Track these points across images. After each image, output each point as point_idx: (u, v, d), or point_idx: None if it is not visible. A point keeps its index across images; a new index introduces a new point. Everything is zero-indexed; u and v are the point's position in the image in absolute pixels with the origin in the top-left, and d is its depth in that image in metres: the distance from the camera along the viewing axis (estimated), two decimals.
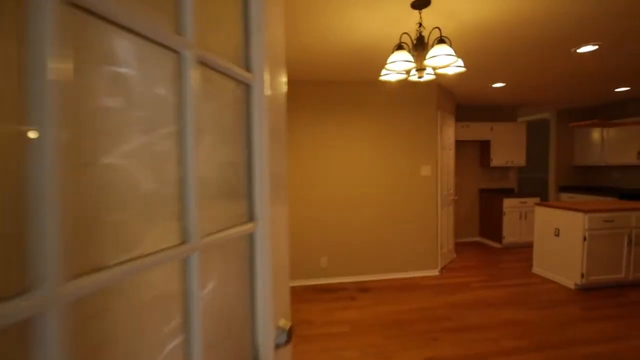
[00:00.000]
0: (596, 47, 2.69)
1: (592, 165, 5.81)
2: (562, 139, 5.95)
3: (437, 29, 1.92)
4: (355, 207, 3.76)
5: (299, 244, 3.66)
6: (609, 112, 5.57)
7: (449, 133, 4.32)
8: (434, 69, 1.99)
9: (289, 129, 3.20)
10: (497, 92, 4.35)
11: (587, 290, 3.36)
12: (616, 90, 4.38)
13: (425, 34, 2.01)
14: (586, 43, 2.64)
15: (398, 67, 1.84)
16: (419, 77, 1.99)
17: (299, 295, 3.37)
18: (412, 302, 3.16)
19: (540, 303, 3.08)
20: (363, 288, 3.53)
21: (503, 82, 3.88)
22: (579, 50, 2.80)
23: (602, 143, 5.40)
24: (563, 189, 5.90)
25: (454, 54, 1.75)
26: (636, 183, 5.19)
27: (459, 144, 5.49)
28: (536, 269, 3.90)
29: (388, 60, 1.82)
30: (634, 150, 4.91)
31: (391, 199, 3.82)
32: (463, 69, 1.97)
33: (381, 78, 2.14)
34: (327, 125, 3.66)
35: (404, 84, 3.74)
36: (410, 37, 1.98)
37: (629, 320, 2.72)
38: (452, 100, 4.55)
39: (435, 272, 3.94)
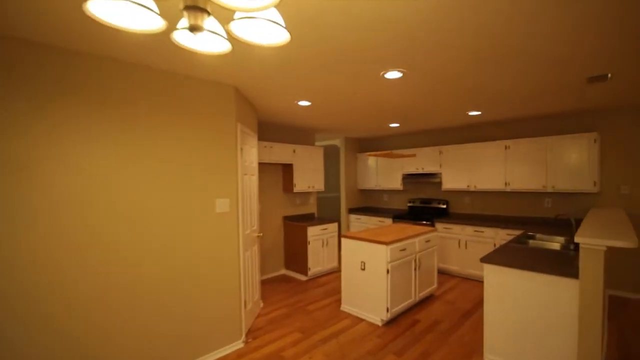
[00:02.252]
0: (401, 74, 2.54)
1: (370, 189, 6.63)
2: (349, 165, 6.49)
3: None
4: (107, 277, 2.12)
5: None
6: (381, 143, 6.54)
7: (252, 155, 3.45)
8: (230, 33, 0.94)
9: None
10: (302, 111, 3.91)
11: (390, 324, 3.25)
12: (391, 125, 4.99)
13: None
14: (394, 68, 2.42)
15: None
16: (192, 31, 0.88)
17: None
18: None
19: (357, 358, 2.61)
20: None
21: (309, 101, 3.42)
22: (387, 76, 2.58)
23: (377, 170, 6.21)
24: (351, 210, 6.39)
25: (282, 23, 0.80)
26: (400, 204, 6.23)
27: (261, 168, 4.79)
28: (345, 307, 3.58)
29: None
30: (398, 177, 5.84)
31: (173, 252, 2.45)
32: (286, 38, 1.03)
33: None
34: (65, 128, 1.88)
35: (187, 78, 2.54)
36: None
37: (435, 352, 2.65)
38: (253, 114, 3.74)
39: (239, 344, 2.85)
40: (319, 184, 5.28)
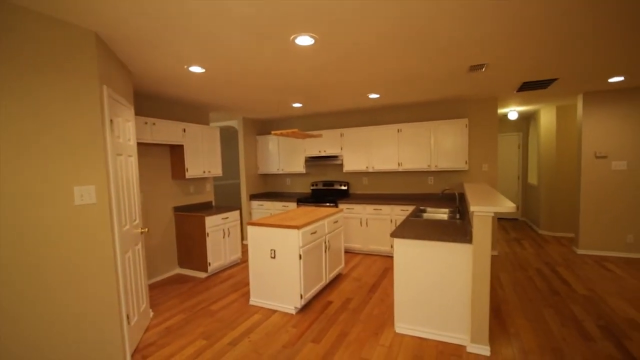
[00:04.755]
0: (313, 40, 2.30)
1: (272, 174, 6.35)
2: (249, 148, 6.03)
3: None
4: None
5: None
6: (282, 124, 6.28)
7: (128, 130, 2.71)
8: None
9: None
10: (194, 80, 3.30)
11: (304, 310, 3.11)
12: (294, 105, 4.76)
13: None
14: (305, 32, 2.16)
15: None
16: None
17: None
18: None
19: (274, 354, 2.36)
20: None
21: (203, 67, 2.87)
22: (298, 41, 2.30)
23: (279, 154, 5.95)
24: (253, 196, 5.99)
25: None
26: (303, 187, 6.15)
27: (143, 150, 3.94)
28: (255, 300, 3.26)
29: None
30: (301, 160, 5.72)
31: (7, 267, 1.66)
32: None
33: None
34: None
35: (26, 12, 1.72)
36: None
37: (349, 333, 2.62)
38: (128, 78, 2.95)
39: None
40: (215, 169, 4.70)
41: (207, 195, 4.91)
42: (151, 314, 3.11)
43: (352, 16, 1.98)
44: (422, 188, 5.13)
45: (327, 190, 5.72)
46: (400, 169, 4.94)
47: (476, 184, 4.07)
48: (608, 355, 2.31)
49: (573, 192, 5.66)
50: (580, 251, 4.72)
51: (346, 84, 3.63)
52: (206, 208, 4.65)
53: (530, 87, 4.10)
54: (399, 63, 2.92)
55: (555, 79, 3.74)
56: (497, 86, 4.00)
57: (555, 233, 5.82)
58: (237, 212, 4.64)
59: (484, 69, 3.19)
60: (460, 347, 2.42)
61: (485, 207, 2.22)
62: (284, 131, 3.51)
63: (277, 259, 3.10)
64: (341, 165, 5.63)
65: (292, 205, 5.49)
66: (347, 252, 5.12)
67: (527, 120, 6.95)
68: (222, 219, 4.35)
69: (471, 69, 3.19)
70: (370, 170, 5.15)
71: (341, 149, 5.35)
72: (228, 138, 7.70)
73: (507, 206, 2.18)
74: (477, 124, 4.76)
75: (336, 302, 3.27)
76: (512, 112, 6.05)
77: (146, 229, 2.83)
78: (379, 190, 5.46)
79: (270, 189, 6.52)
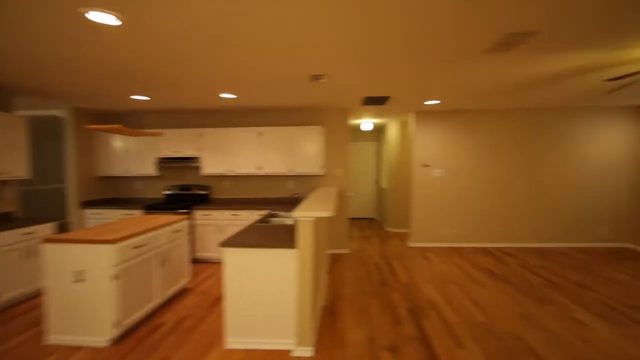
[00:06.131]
0: (119, 22, 1.92)
1: (117, 176, 5.39)
2: (82, 145, 4.95)
3: None
4: None
5: None
6: (130, 120, 5.39)
7: None
8: None
9: None
10: None
11: (122, 340, 2.62)
12: (132, 97, 4.11)
13: None
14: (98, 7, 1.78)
15: None
16: None
17: None
18: None
19: None
20: None
21: None
22: (90, 16, 1.88)
23: (126, 153, 5.09)
24: (87, 204, 4.94)
25: None
26: (156, 192, 5.43)
27: None
28: (54, 338, 2.57)
29: None
30: (151, 161, 5.03)
31: None
32: None
33: None
34: None
35: None
36: None
37: None
38: None
39: None
40: (18, 169, 3.64)
41: (6, 204, 3.75)
42: None
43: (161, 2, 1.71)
44: (282, 192, 5.19)
45: (183, 195, 5.19)
46: (261, 172, 4.87)
47: (325, 189, 4.33)
48: (408, 335, 2.70)
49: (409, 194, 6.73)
50: (411, 244, 5.60)
51: (189, 80, 3.31)
52: (3, 221, 3.53)
53: (372, 102, 4.62)
54: (235, 62, 2.80)
55: (388, 97, 4.31)
56: (344, 98, 4.35)
57: (398, 229, 6.80)
58: (51, 225, 3.69)
59: (325, 80, 3.38)
60: (285, 353, 2.42)
61: (306, 213, 2.29)
62: (101, 126, 2.92)
63: (86, 283, 2.52)
64: (199, 168, 5.20)
65: (139, 212, 4.76)
66: (202, 262, 4.73)
67: (381, 131, 7.96)
68: (24, 234, 3.37)
69: (313, 79, 3.33)
70: (231, 173, 4.91)
71: (199, 150, 4.94)
72: (46, 131, 6.18)
73: (326, 212, 2.29)
74: (332, 132, 5.11)
75: (169, 323, 2.90)
76: (367, 123, 6.80)
77: None
78: (241, 194, 5.27)
79: (114, 195, 5.52)
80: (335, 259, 4.84)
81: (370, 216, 8.43)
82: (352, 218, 8.40)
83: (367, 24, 2.03)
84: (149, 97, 4.14)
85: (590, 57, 2.72)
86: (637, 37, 2.28)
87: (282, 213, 3.94)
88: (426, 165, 5.53)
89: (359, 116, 5.99)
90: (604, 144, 5.30)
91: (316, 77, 3.28)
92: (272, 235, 2.68)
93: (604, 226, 5.37)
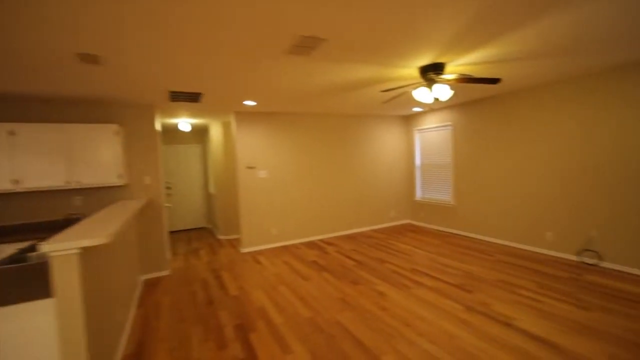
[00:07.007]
0: None
1: None
2: None
3: None
4: None
5: None
6: None
7: None
8: None
9: None
10: None
11: None
12: None
13: None
14: None
15: None
16: None
17: None
18: None
19: None
20: None
21: None
22: None
23: None
24: None
25: None
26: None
27: None
28: None
29: None
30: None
31: None
32: None
33: None
34: None
35: None
36: None
37: None
38: None
39: None
40: None
41: None
42: None
43: None
44: (63, 212, 3.82)
45: None
46: (19, 188, 3.40)
47: (123, 203, 3.45)
48: (233, 357, 2.39)
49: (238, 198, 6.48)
50: (243, 250, 5.36)
51: None
52: None
53: (183, 98, 4.03)
54: None
55: (200, 93, 3.85)
56: (144, 91, 3.57)
57: (229, 236, 6.42)
58: None
59: (103, 63, 2.59)
60: None
61: (63, 244, 1.58)
62: None
63: None
64: None
65: None
66: None
67: (205, 132, 7.32)
68: None
69: (83, 59, 2.49)
70: None
71: None
72: None
73: (97, 238, 1.65)
74: (135, 132, 4.17)
75: None
76: (184, 123, 6.06)
77: None
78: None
79: None
80: (150, 286, 3.98)
81: (202, 225, 7.67)
82: (179, 231, 7.40)
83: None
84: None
85: (370, 71, 3.20)
86: (401, 58, 2.81)
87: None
88: (251, 167, 5.40)
89: (173, 114, 5.21)
90: (388, 146, 6.71)
91: (88, 58, 2.46)
92: (21, 281, 1.77)
93: (392, 209, 6.81)
